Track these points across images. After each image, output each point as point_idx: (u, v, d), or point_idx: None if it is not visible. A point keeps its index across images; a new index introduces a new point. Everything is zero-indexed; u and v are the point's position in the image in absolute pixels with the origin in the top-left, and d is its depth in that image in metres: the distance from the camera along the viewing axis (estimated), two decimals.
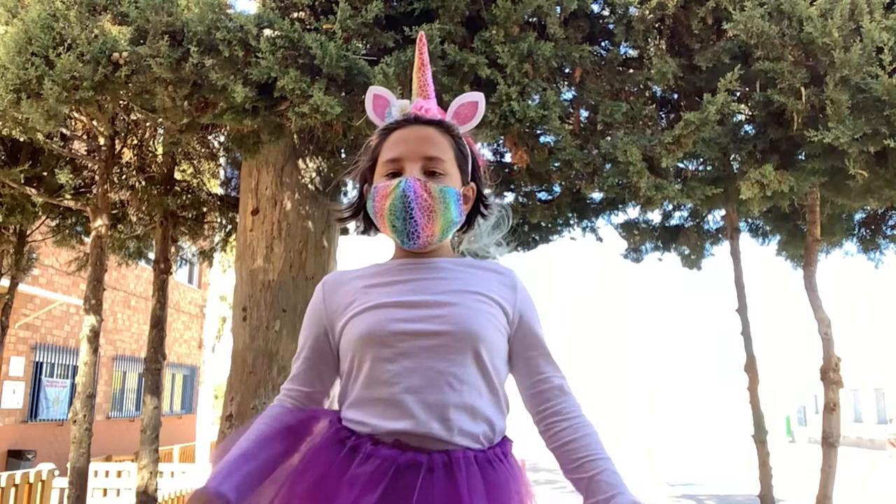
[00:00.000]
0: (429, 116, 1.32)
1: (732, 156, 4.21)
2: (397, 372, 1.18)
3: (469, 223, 1.37)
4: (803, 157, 4.01)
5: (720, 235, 6.28)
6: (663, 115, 4.62)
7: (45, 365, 12.09)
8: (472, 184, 1.34)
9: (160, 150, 6.00)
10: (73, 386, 11.85)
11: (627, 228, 6.32)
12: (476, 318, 1.23)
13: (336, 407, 1.31)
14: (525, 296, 1.32)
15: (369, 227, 1.37)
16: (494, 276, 1.31)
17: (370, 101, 1.38)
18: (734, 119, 4.17)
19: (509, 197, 5.75)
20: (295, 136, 4.53)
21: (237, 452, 1.23)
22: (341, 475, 1.15)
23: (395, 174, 1.26)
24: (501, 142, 5.17)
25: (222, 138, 6.03)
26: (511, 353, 1.29)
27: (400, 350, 1.19)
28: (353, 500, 1.11)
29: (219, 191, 6.60)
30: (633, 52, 4.34)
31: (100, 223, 5.17)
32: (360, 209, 1.37)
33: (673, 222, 6.42)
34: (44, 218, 6.36)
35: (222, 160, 6.50)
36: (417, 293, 1.24)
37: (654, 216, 6.36)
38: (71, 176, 5.37)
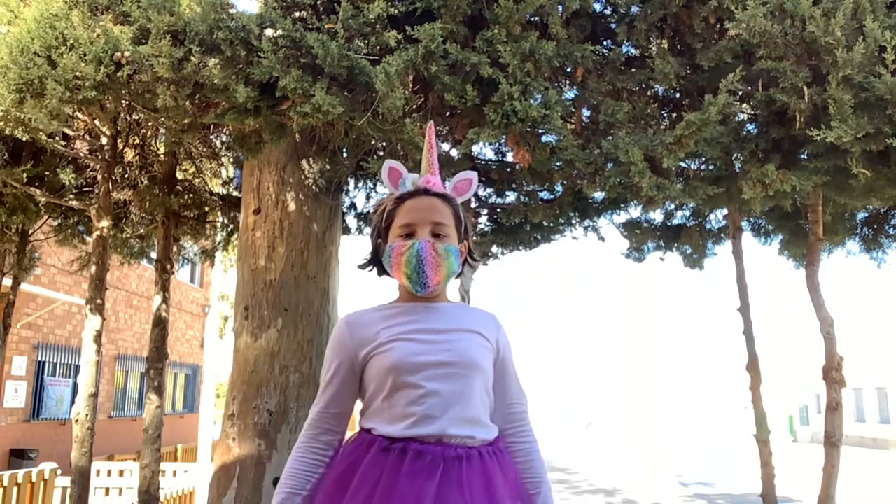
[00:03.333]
0: (435, 190, 1.67)
1: (735, 155, 4.20)
2: (423, 393, 1.52)
3: (461, 270, 1.73)
4: (806, 157, 4.00)
5: (722, 235, 6.27)
6: (665, 115, 4.61)
7: (47, 364, 12.11)
8: (465, 242, 1.70)
9: (162, 150, 6.00)
10: (75, 385, 11.87)
11: (629, 228, 6.31)
12: (475, 350, 1.60)
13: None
14: (504, 333, 1.72)
15: (382, 272, 1.70)
16: (483, 317, 1.70)
17: (386, 171, 1.72)
18: (736, 118, 4.16)
19: (511, 196, 5.74)
20: (297, 136, 4.53)
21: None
22: (398, 471, 1.47)
23: (409, 235, 1.60)
24: (503, 141, 5.17)
25: (224, 138, 6.03)
26: (493, 378, 1.65)
27: (423, 376, 1.53)
28: (418, 487, 1.44)
29: (221, 190, 6.60)
30: (635, 52, 4.33)
31: (103, 223, 5.18)
32: (375, 259, 1.71)
33: (675, 221, 6.40)
34: (46, 217, 6.36)
35: (224, 160, 6.50)
36: (430, 332, 1.59)
37: (657, 215, 6.35)
38: (73, 175, 5.37)
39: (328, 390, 1.63)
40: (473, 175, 1.77)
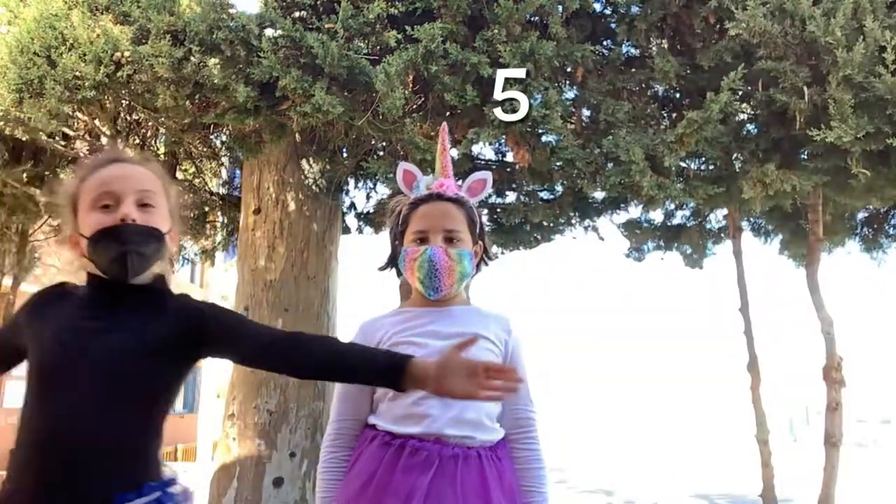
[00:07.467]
0: (449, 194, 1.69)
1: (735, 155, 4.20)
2: (423, 395, 1.51)
3: (477, 269, 1.76)
4: (806, 157, 4.00)
5: (722, 235, 6.27)
6: (665, 115, 4.61)
7: None
8: (480, 242, 1.73)
9: (162, 150, 6.00)
10: None
11: (629, 228, 6.31)
12: (478, 354, 1.54)
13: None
14: (516, 336, 1.71)
15: (400, 273, 1.73)
16: (493, 319, 1.70)
17: (400, 173, 1.74)
18: (736, 118, 4.16)
19: (511, 196, 5.74)
20: (297, 136, 4.53)
21: None
22: (395, 465, 1.52)
23: (423, 240, 1.64)
24: (503, 141, 5.17)
25: (224, 138, 6.03)
26: None
27: None
28: (411, 481, 1.48)
29: (221, 190, 6.59)
30: (635, 52, 4.33)
31: None
32: (394, 260, 1.74)
33: (675, 221, 6.39)
34: (46, 217, 6.36)
35: (224, 160, 6.50)
36: (435, 336, 1.61)
37: (657, 215, 6.34)
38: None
39: (350, 398, 1.65)
40: (488, 175, 1.79)
